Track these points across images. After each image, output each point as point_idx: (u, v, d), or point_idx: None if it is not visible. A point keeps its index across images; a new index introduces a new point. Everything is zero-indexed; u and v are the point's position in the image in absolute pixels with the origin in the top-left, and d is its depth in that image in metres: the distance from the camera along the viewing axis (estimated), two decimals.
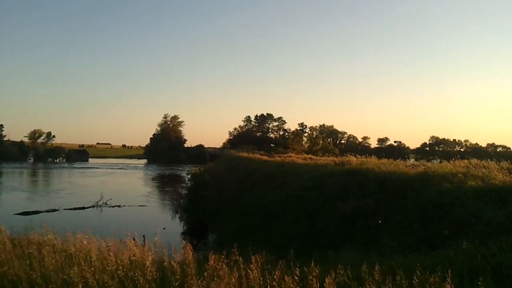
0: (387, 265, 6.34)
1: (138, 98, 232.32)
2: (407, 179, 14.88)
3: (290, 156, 43.54)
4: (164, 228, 24.47)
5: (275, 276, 5.25)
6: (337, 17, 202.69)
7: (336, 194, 17.36)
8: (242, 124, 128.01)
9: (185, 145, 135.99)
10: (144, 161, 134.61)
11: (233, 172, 40.97)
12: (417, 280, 4.96)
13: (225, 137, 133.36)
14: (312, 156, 46.71)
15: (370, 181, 16.58)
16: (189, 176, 31.68)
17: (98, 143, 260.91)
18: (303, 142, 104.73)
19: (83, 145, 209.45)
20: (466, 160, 16.96)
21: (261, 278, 5.35)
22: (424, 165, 18.13)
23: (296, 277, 5.10)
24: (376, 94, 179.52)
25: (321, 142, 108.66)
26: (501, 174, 13.10)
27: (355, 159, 25.96)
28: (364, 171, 18.23)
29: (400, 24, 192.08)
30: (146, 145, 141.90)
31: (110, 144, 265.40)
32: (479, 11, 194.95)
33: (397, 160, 24.73)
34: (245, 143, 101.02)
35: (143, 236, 11.77)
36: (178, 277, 5.58)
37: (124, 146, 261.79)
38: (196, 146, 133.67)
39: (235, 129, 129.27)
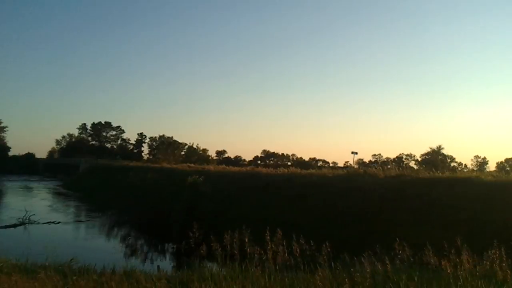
0: None
1: None
2: None
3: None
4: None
5: None
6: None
7: None
8: (72, 132, 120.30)
9: (10, 154, 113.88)
10: None
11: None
12: None
13: (51, 145, 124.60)
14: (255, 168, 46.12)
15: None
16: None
17: None
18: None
19: None
20: None
21: None
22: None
23: None
24: (215, 109, 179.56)
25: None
26: None
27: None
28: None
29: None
30: None
31: None
32: None
33: None
34: (81, 152, 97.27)
35: None
36: None
37: None
38: (25, 154, 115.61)
39: (63, 137, 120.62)
